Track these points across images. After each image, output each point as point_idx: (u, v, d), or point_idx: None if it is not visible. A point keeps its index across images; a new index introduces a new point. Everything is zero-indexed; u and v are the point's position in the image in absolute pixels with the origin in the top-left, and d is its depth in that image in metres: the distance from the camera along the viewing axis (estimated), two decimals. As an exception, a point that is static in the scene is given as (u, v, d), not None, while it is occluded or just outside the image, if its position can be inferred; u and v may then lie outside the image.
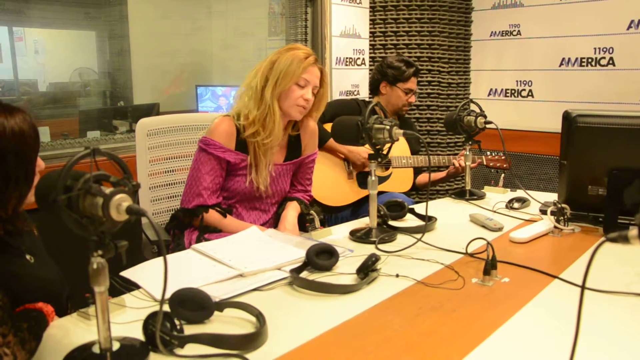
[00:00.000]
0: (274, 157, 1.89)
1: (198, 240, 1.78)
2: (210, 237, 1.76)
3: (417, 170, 2.80)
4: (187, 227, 1.85)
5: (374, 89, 2.87)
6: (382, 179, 2.69)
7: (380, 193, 2.58)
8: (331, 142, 2.57)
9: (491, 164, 2.57)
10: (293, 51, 1.81)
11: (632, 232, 0.72)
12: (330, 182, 2.60)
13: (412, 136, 1.70)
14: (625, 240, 0.74)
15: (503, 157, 2.56)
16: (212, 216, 1.82)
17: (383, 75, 2.81)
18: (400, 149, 2.71)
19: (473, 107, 2.37)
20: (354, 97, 3.64)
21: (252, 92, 1.82)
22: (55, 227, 0.96)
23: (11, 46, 4.35)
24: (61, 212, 0.88)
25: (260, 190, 1.87)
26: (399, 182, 2.72)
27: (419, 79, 3.18)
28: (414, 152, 2.79)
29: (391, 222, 1.89)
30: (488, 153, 2.58)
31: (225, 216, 1.83)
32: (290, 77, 1.78)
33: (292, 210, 1.94)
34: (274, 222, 1.97)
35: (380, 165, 2.71)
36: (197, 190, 1.81)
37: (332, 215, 2.63)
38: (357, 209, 2.64)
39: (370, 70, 3.83)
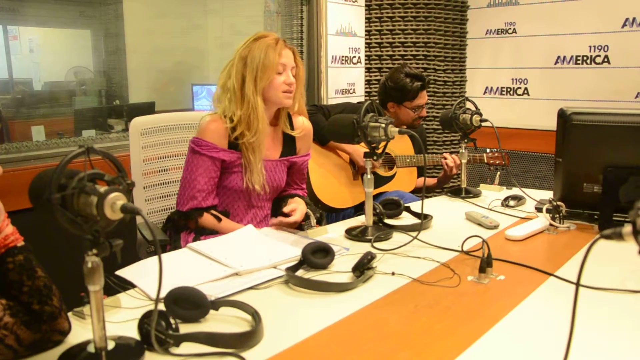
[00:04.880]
0: (268, 154, 1.88)
1: (194, 242, 1.76)
2: (207, 239, 1.75)
3: (422, 170, 2.77)
4: (183, 229, 1.83)
5: (383, 106, 2.70)
6: (386, 179, 2.68)
7: (379, 194, 2.59)
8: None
9: (491, 162, 2.57)
10: (261, 40, 1.78)
11: (627, 228, 0.72)
12: (335, 184, 2.59)
13: (408, 133, 1.70)
14: (619, 237, 0.74)
15: (504, 154, 2.55)
16: (207, 220, 1.81)
17: (387, 96, 2.68)
18: (404, 148, 2.70)
19: (469, 105, 2.37)
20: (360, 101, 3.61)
21: (231, 94, 1.79)
22: (50, 225, 0.95)
23: (5, 45, 4.34)
24: (55, 210, 0.87)
25: (257, 189, 1.86)
26: (403, 181, 2.72)
27: None
28: (418, 152, 2.74)
29: (387, 220, 1.89)
30: (488, 150, 2.57)
31: (220, 220, 1.82)
32: (270, 68, 1.76)
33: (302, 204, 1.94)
34: (269, 218, 1.97)
35: (385, 165, 2.70)
36: (191, 193, 1.79)
37: (333, 213, 2.62)
38: (360, 207, 2.62)
39: (367, 69, 3.83)
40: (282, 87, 1.79)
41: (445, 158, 2.59)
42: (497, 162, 2.55)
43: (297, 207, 1.84)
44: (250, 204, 1.91)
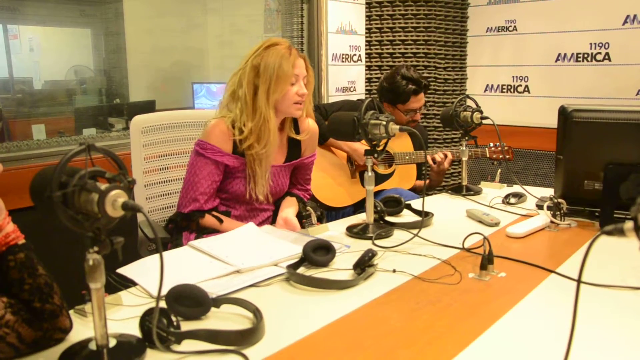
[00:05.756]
0: (273, 161, 1.88)
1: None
2: (208, 237, 1.75)
3: (421, 167, 2.77)
4: (184, 229, 1.83)
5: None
6: (385, 177, 2.68)
7: (378, 192, 2.58)
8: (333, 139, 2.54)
9: (494, 156, 2.56)
10: (273, 49, 1.75)
11: (628, 224, 0.72)
12: (334, 183, 2.58)
13: (409, 131, 1.70)
14: (621, 233, 0.74)
15: (506, 149, 2.55)
16: (209, 221, 1.81)
17: (382, 96, 2.68)
18: (402, 145, 2.70)
19: (469, 102, 2.37)
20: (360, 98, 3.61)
21: (242, 104, 1.76)
22: (51, 223, 0.95)
23: (6, 44, 4.34)
24: (56, 208, 0.87)
25: (260, 199, 1.85)
26: (403, 179, 2.72)
27: None
28: (417, 149, 2.74)
29: (388, 218, 1.89)
30: (491, 145, 2.57)
31: (221, 221, 1.82)
32: (284, 80, 1.74)
33: (290, 205, 1.93)
34: (272, 220, 1.97)
35: (383, 162, 2.70)
36: (194, 195, 1.79)
37: (333, 212, 2.62)
38: (360, 205, 2.62)
39: (367, 66, 3.83)
40: (295, 99, 1.78)
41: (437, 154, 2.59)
42: (501, 156, 2.55)
43: (286, 217, 1.84)
44: (252, 207, 1.91)
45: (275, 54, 1.74)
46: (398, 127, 1.65)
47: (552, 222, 1.82)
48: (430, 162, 2.61)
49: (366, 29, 3.79)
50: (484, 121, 2.28)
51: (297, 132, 1.93)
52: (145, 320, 1.03)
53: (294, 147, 1.95)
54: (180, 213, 1.82)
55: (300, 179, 2.02)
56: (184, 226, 1.82)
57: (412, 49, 3.76)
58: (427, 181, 2.72)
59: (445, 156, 2.59)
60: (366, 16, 3.77)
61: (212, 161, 1.78)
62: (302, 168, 2.00)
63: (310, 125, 1.96)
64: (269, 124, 1.76)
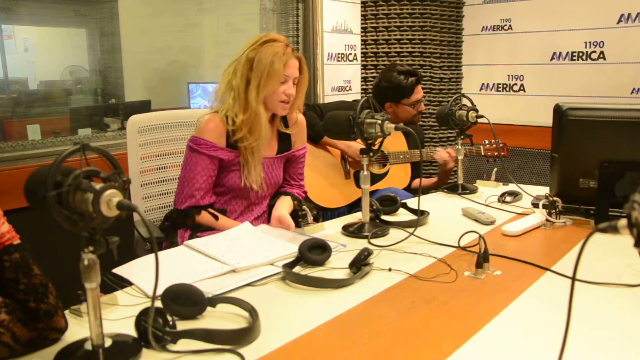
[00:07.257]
0: (265, 153, 1.89)
1: (190, 238, 1.77)
2: (203, 235, 1.76)
3: (415, 166, 2.77)
4: (180, 226, 1.83)
5: (381, 106, 2.67)
6: (379, 177, 2.68)
7: (372, 192, 2.58)
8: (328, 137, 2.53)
9: (488, 153, 2.56)
10: (270, 45, 1.77)
11: (622, 221, 0.72)
12: (327, 184, 2.58)
13: (404, 130, 1.70)
14: (614, 230, 0.74)
15: (501, 145, 2.55)
16: (205, 217, 1.81)
17: (384, 96, 2.66)
18: (397, 145, 2.70)
19: (465, 101, 2.37)
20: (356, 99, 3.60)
21: (236, 95, 1.79)
22: (46, 223, 0.95)
23: (0, 44, 4.32)
24: (51, 208, 0.87)
25: (254, 189, 1.86)
26: (397, 178, 2.71)
27: None
28: (412, 148, 2.74)
29: (384, 217, 1.89)
30: (486, 142, 2.57)
31: (217, 218, 1.82)
32: (275, 78, 1.75)
33: (284, 204, 1.93)
34: (267, 215, 1.97)
35: (378, 162, 2.70)
36: (190, 191, 1.79)
37: (328, 212, 2.62)
38: (354, 205, 2.62)
39: (362, 65, 3.83)
40: (281, 97, 1.80)
41: (437, 151, 2.58)
42: (496, 153, 2.55)
43: (280, 216, 1.84)
44: (249, 202, 1.92)
45: (270, 51, 1.76)
46: (393, 125, 1.65)
47: (547, 220, 1.82)
48: (426, 158, 2.60)
49: (362, 28, 3.79)
50: (480, 120, 2.29)
51: (286, 125, 1.96)
52: (141, 319, 1.03)
53: (284, 140, 1.97)
54: (177, 209, 1.82)
55: (292, 173, 2.03)
56: (180, 223, 1.82)
57: (407, 47, 3.76)
58: (436, 179, 2.70)
59: (449, 154, 2.58)
60: (361, 15, 3.77)
61: (206, 156, 1.78)
62: (294, 162, 2.01)
63: (298, 118, 1.98)
64: (260, 118, 1.78)
